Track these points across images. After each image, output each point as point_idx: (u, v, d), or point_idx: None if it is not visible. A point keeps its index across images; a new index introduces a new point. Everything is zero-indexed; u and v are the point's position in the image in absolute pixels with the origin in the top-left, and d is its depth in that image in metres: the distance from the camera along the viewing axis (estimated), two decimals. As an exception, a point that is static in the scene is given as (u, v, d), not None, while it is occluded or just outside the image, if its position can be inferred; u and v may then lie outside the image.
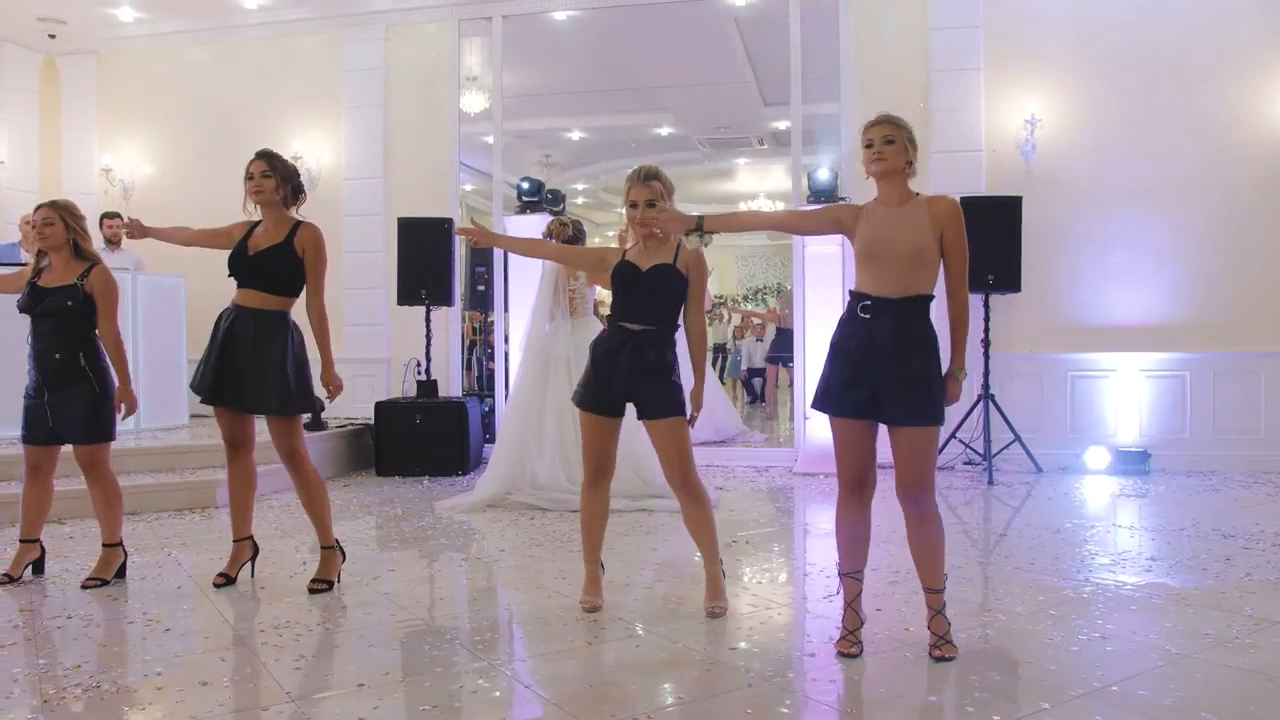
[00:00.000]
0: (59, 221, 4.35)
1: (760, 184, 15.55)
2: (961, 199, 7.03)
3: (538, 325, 6.43)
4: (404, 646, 3.46)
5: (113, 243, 8.50)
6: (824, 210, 3.49)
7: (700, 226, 3.40)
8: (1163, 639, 3.48)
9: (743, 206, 15.83)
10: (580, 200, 16.27)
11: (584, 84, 11.01)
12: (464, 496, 6.32)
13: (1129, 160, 7.51)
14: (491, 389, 8.90)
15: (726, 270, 20.66)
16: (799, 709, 2.91)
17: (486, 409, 8.45)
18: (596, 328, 6.46)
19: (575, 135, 12.50)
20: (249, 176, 4.18)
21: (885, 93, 7.84)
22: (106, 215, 8.55)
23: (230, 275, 4.15)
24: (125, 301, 7.51)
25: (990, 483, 6.91)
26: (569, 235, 6.36)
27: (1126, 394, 7.53)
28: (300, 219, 4.24)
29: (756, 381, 14.85)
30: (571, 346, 6.27)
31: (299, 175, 4.32)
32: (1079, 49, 7.62)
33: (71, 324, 4.28)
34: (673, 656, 3.32)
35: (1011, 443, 7.28)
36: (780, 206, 15.14)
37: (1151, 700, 2.90)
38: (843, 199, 7.52)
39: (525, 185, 8.01)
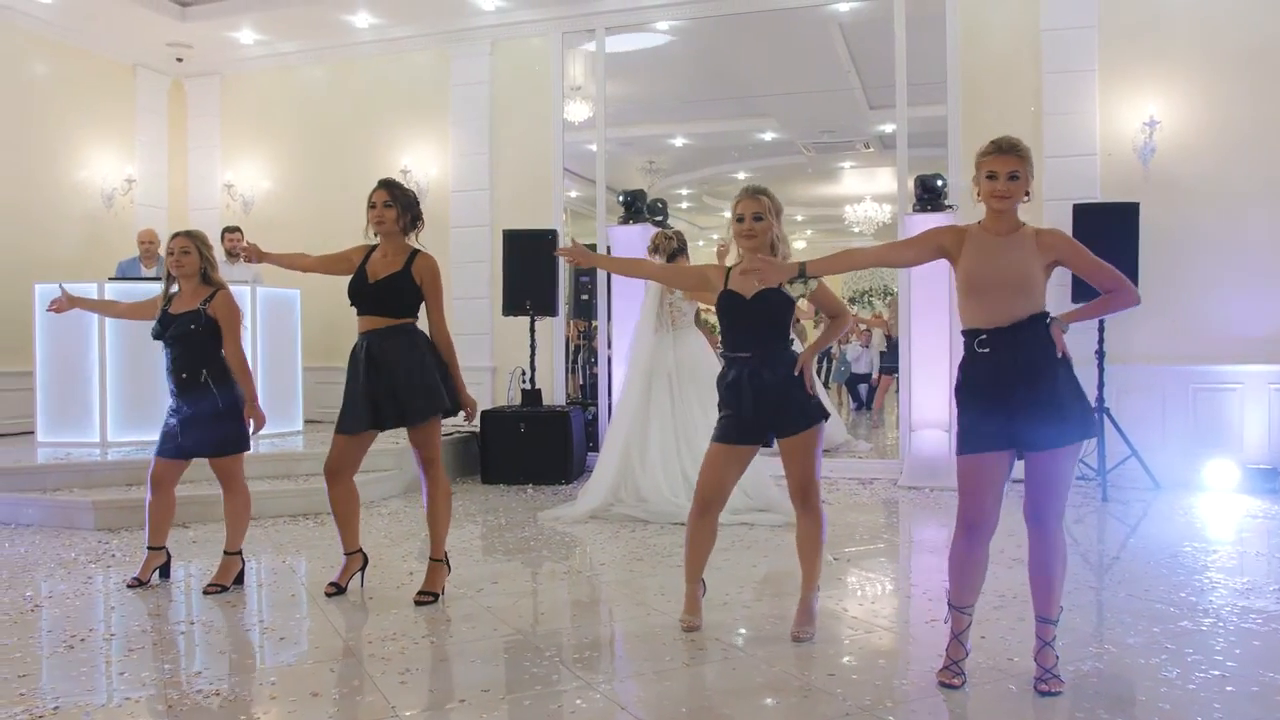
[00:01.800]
0: (194, 251, 4.61)
1: (866, 186, 15.30)
2: (1075, 206, 6.94)
3: (641, 338, 6.49)
4: (506, 663, 3.54)
5: (233, 256, 8.88)
6: (926, 237, 3.40)
7: (803, 273, 3.37)
8: (1295, 680, 3.31)
9: (848, 209, 15.62)
10: (685, 205, 16.31)
11: (686, 91, 11.04)
12: (567, 508, 6.41)
13: (1255, 161, 7.15)
14: (595, 397, 9.00)
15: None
16: (897, 742, 2.87)
17: (590, 417, 8.54)
18: (699, 339, 6.52)
19: (679, 142, 12.55)
20: (371, 205, 4.33)
21: (994, 96, 7.69)
22: (228, 230, 8.97)
23: (351, 303, 4.29)
24: (244, 314, 7.93)
25: (1104, 499, 6.68)
26: (673, 248, 6.41)
27: (1254, 407, 7.16)
28: (418, 247, 4.37)
29: (861, 388, 14.63)
30: (673, 359, 6.32)
31: (418, 203, 4.45)
32: (1201, 46, 7.29)
33: (196, 346, 4.52)
34: (770, 680, 3.31)
35: (1128, 458, 7.01)
36: (887, 209, 14.91)
37: (1274, 748, 2.77)
38: (950, 207, 7.37)
39: (625, 197, 8.06)
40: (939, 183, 7.38)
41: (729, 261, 6.20)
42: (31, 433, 8.03)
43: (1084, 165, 7.41)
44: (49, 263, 8.84)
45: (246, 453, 4.66)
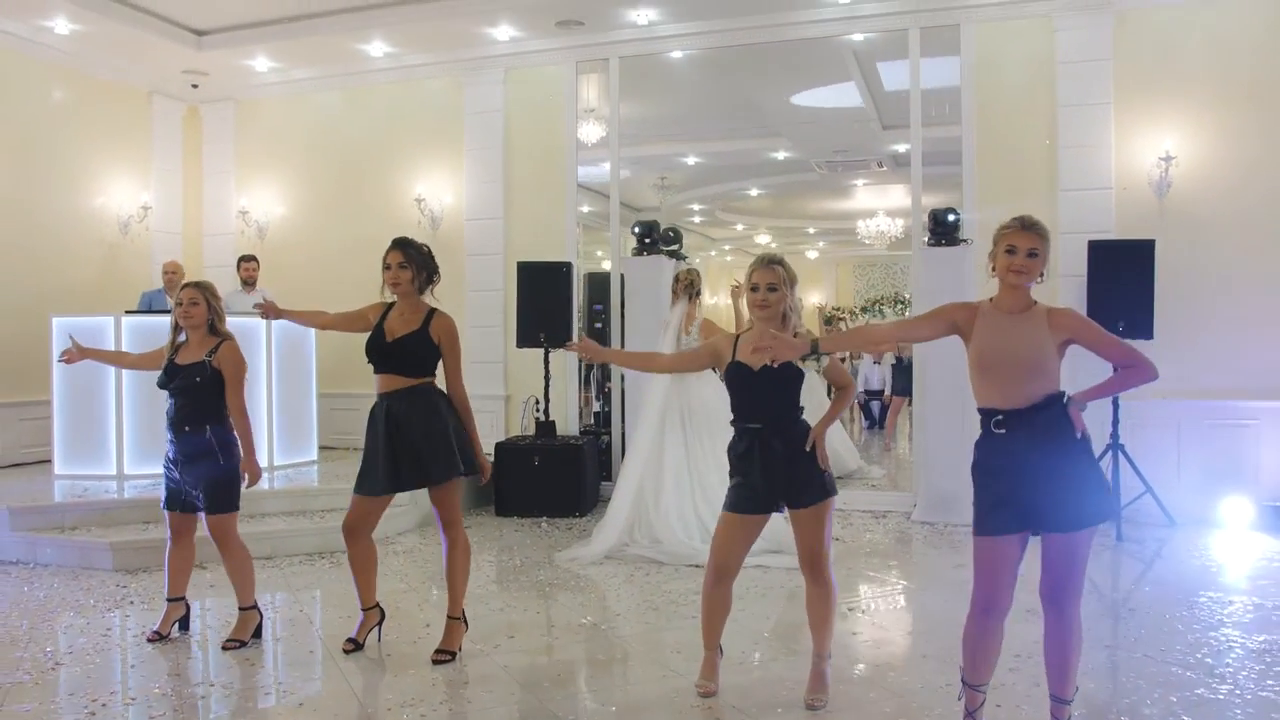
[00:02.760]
0: (203, 302, 4.63)
1: (879, 202, 15.23)
2: (1091, 243, 6.92)
3: (656, 381, 6.51)
4: (523, 734, 3.57)
5: (248, 284, 8.95)
6: (939, 314, 3.40)
7: (815, 350, 3.38)
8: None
9: (860, 224, 15.58)
10: (697, 219, 16.32)
11: (699, 112, 11.03)
12: (582, 548, 6.42)
13: (1271, 197, 7.12)
14: (607, 425, 9.01)
15: (844, 281, 20.42)
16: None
17: (604, 445, 8.56)
18: (712, 383, 6.53)
19: (691, 160, 12.53)
20: (386, 266, 4.36)
21: (1009, 128, 7.70)
22: (243, 259, 9.02)
23: (369, 362, 4.31)
24: (259, 344, 7.99)
25: (1119, 538, 6.66)
26: (696, 290, 6.51)
27: (1270, 444, 7.13)
28: (434, 306, 4.39)
29: (874, 405, 14.62)
30: (687, 402, 6.38)
31: (433, 259, 4.47)
32: (1217, 81, 7.26)
33: (200, 398, 4.54)
34: (786, 758, 3.33)
35: (1143, 494, 7.00)
36: (899, 223, 14.87)
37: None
38: (964, 241, 7.37)
39: (641, 229, 8.08)
40: (950, 217, 7.37)
41: (743, 304, 6.22)
42: (47, 462, 8.10)
43: (1099, 199, 7.40)
44: (66, 290, 8.93)
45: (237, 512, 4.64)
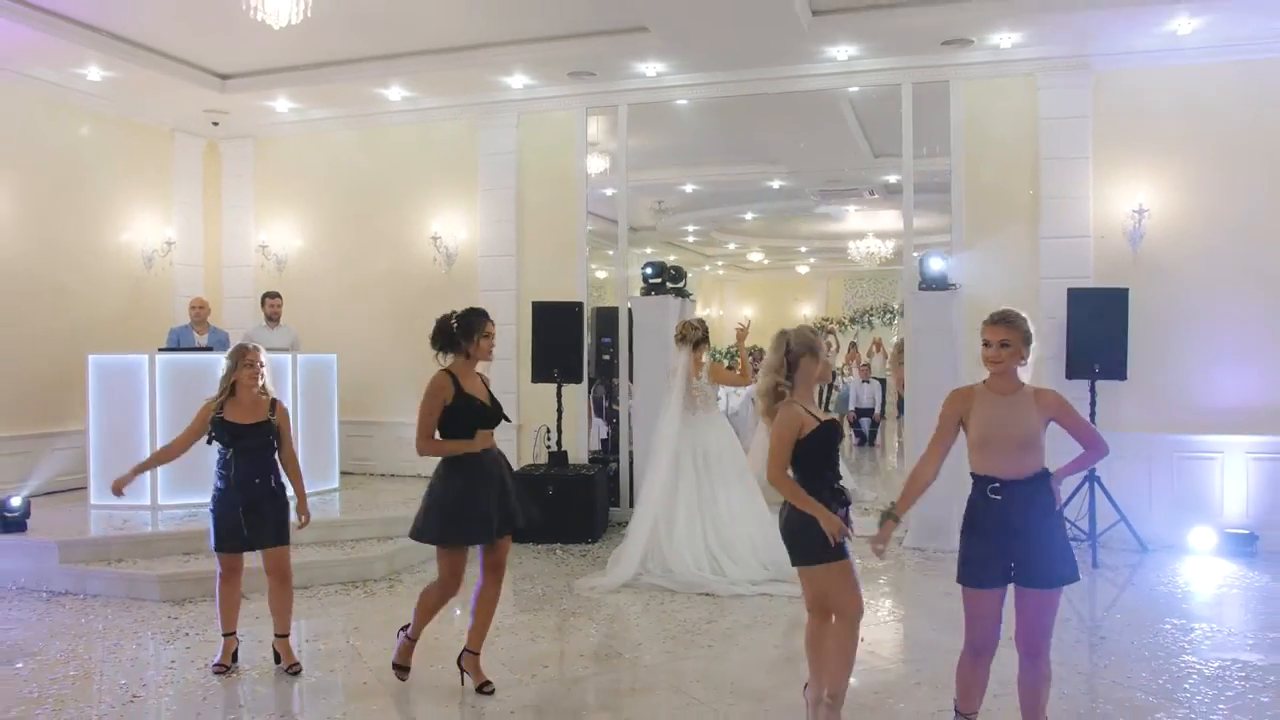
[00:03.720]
0: (263, 365, 5.12)
1: (869, 224, 15.81)
2: (1070, 290, 7.44)
3: (669, 420, 7.02)
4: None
5: (273, 319, 9.38)
6: (946, 421, 3.83)
7: (894, 514, 3.83)
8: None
9: (851, 246, 16.12)
10: (691, 239, 16.83)
11: (698, 144, 11.49)
12: (599, 578, 6.87)
13: (1234, 249, 7.70)
14: (614, 450, 9.50)
15: (834, 293, 20.98)
16: None
17: (611, 472, 9.04)
18: (722, 422, 7.07)
19: (689, 188, 12.99)
20: (487, 335, 4.87)
21: (995, 180, 8.24)
22: (268, 295, 9.44)
23: (481, 427, 4.76)
24: (286, 377, 8.43)
25: (1095, 565, 7.19)
26: (698, 337, 6.97)
27: (1233, 475, 7.70)
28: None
29: (864, 422, 15.14)
30: (699, 441, 6.87)
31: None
32: (1188, 140, 7.83)
33: (268, 452, 5.12)
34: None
35: (1117, 522, 7.53)
36: (890, 244, 15.55)
37: None
38: (953, 286, 7.90)
39: (650, 270, 8.57)
40: (937, 267, 7.89)
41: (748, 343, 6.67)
42: (79, 489, 8.49)
43: (1078, 247, 7.94)
44: (95, 324, 9.31)
45: None
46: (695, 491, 6.91)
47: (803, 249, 18.72)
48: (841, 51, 8.15)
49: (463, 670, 4.81)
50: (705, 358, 7.17)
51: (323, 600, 6.53)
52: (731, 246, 18.25)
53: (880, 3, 7.47)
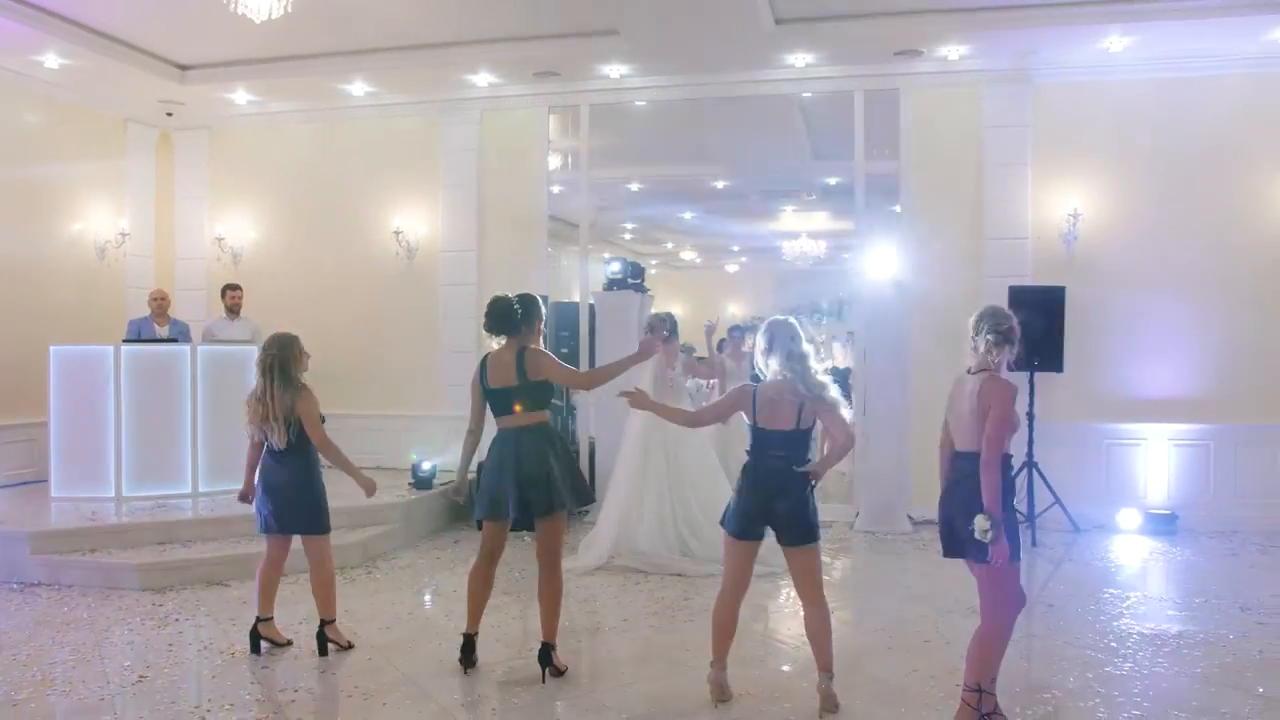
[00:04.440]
0: None
1: (803, 225, 16.32)
2: (1011, 288, 7.97)
3: (637, 411, 7.27)
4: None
5: (233, 311, 9.40)
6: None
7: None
8: (1189, 716, 4.30)
9: (784, 245, 16.58)
10: (628, 236, 17.13)
11: (648, 145, 11.77)
12: (572, 561, 7.11)
13: (1162, 250, 8.33)
14: (573, 442, 9.75)
15: (765, 292, 21.47)
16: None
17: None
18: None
19: (635, 186, 13.27)
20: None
21: (941, 183, 8.73)
22: (228, 287, 9.45)
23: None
24: (249, 368, 8.43)
25: (1034, 544, 7.72)
26: (664, 332, 7.26)
27: (1156, 461, 8.35)
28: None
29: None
30: (670, 432, 7.18)
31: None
32: (1118, 149, 8.45)
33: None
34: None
35: (1052, 505, 8.09)
36: (821, 245, 16.09)
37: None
38: (901, 284, 8.38)
39: (617, 266, 8.88)
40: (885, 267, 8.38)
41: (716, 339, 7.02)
42: (39, 482, 8.45)
43: (1018, 248, 8.50)
44: (50, 315, 9.20)
45: None
46: (664, 477, 7.23)
47: (735, 248, 19.14)
48: (799, 59, 8.55)
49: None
50: (676, 349, 7.49)
51: (304, 587, 6.65)
52: (669, 245, 18.61)
53: (839, 13, 7.87)
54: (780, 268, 20.60)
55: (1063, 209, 8.43)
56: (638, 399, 4.77)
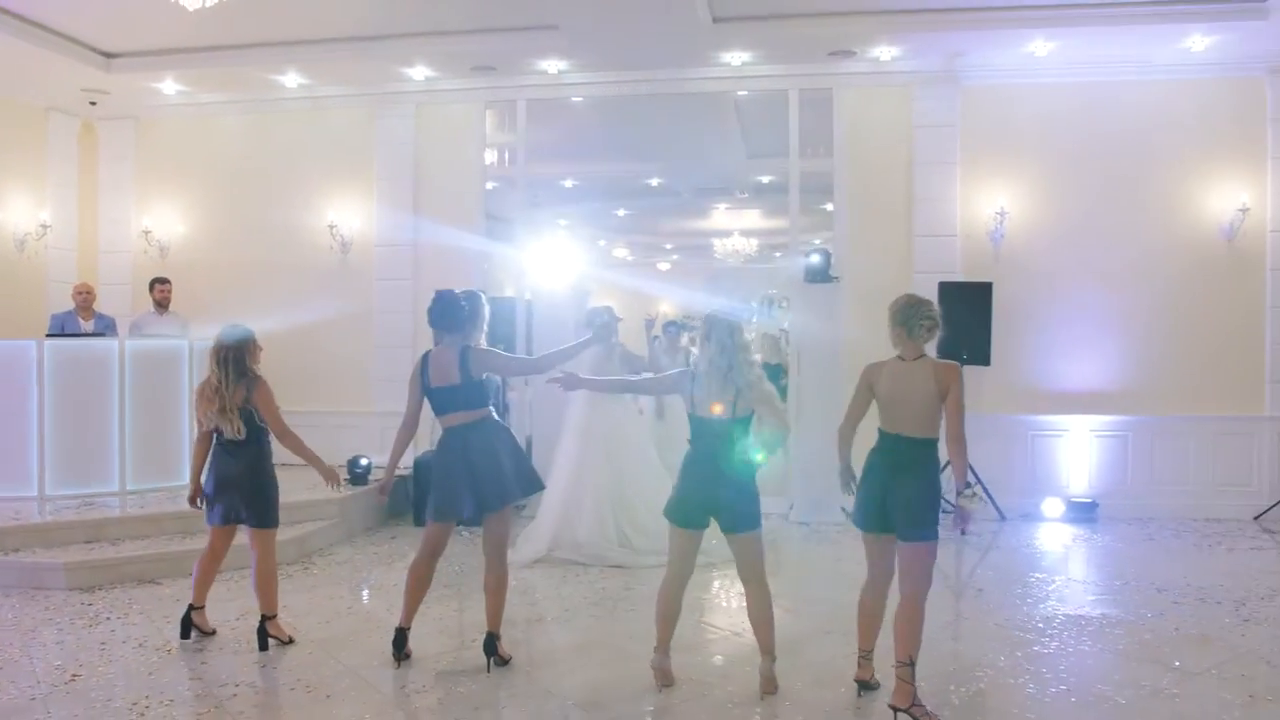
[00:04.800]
0: None
1: (735, 224, 16.50)
2: (941, 283, 8.18)
3: (577, 403, 7.35)
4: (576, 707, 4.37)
5: (161, 306, 9.19)
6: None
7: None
8: (1112, 690, 4.51)
9: (716, 243, 16.75)
10: (559, 233, 17.14)
11: (584, 142, 11.79)
12: (511, 554, 7.08)
13: (1084, 248, 8.65)
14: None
15: (696, 291, 21.61)
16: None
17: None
18: (629, 405, 7.46)
19: (568, 183, 13.26)
20: None
21: (875, 182, 8.94)
22: (157, 281, 9.23)
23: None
24: (180, 364, 8.32)
25: (962, 533, 7.94)
26: (603, 322, 7.29)
27: (1078, 451, 8.66)
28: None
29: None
30: (607, 420, 7.24)
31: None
32: (1042, 149, 8.74)
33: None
34: (744, 716, 4.26)
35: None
36: (753, 243, 16.30)
37: (1108, 748, 3.93)
38: (835, 279, 8.55)
39: (556, 264, 8.89)
40: (816, 258, 8.53)
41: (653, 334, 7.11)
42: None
43: (947, 245, 8.74)
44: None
45: None
46: (604, 469, 7.27)
47: (667, 246, 19.25)
48: (736, 57, 8.67)
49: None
50: (616, 342, 7.54)
51: (239, 584, 6.56)
52: (600, 243, 18.64)
53: (776, 13, 8.00)
54: (712, 265, 20.88)
55: (990, 207, 8.69)
56: (570, 380, 4.85)
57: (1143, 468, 8.59)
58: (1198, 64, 8.41)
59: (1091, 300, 8.65)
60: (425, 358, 4.95)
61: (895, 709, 4.08)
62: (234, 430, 5.11)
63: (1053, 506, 8.46)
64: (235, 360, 5.14)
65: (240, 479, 5.17)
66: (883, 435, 4.34)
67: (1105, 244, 8.62)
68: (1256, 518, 8.40)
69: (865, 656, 4.49)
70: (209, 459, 5.26)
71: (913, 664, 4.12)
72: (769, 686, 4.46)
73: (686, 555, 4.59)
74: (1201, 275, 8.56)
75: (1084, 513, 8.42)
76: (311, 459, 5.26)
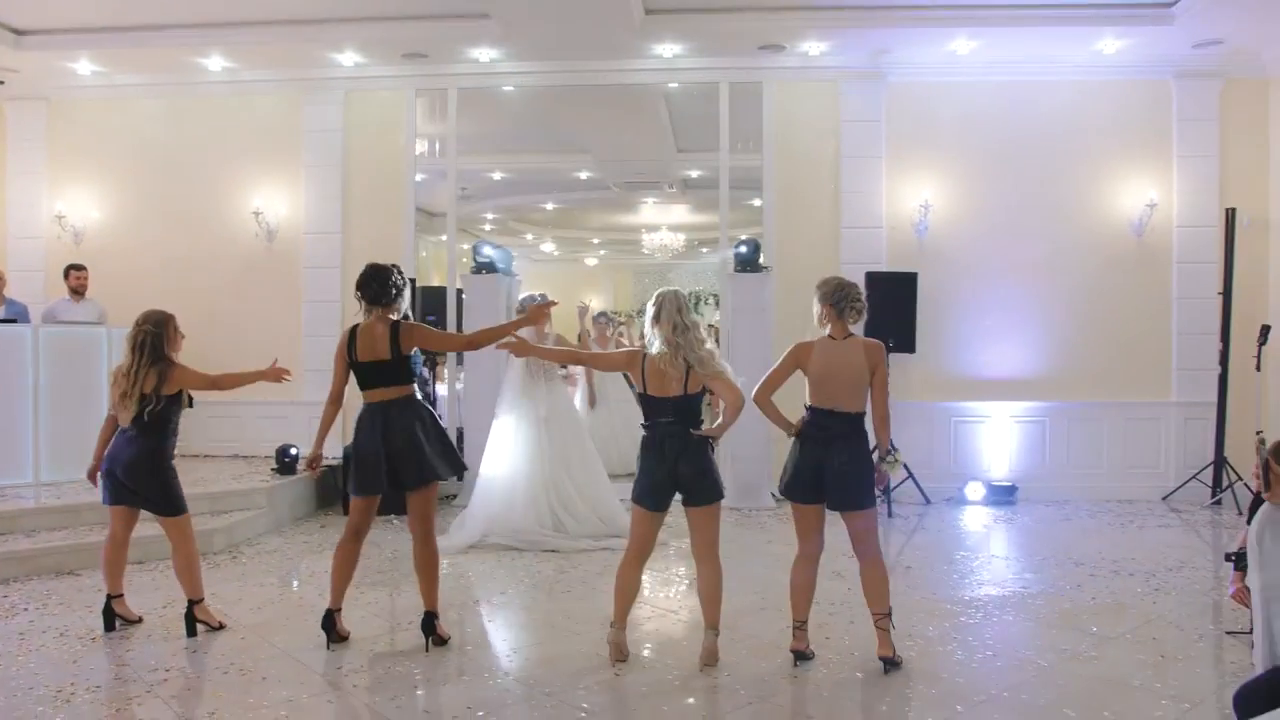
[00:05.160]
0: None
1: (663, 218, 16.61)
2: (868, 273, 8.37)
3: (511, 388, 7.34)
4: (503, 685, 4.37)
5: (77, 293, 8.91)
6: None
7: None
8: (1035, 654, 4.70)
9: (645, 238, 16.83)
10: (488, 227, 17.01)
11: (513, 133, 11.74)
12: (444, 540, 7.04)
13: (1003, 241, 8.94)
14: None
15: (622, 286, 21.70)
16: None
17: (439, 447, 9.21)
18: (561, 388, 7.49)
19: (497, 175, 13.21)
20: None
21: (804, 175, 9.10)
22: (72, 267, 8.94)
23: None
24: (98, 352, 8.08)
25: (890, 515, 8.15)
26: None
27: (998, 436, 8.94)
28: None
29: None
30: (545, 408, 7.24)
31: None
32: (964, 146, 9.01)
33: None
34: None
35: (905, 480, 8.55)
36: (680, 238, 16.42)
37: (1030, 703, 4.10)
38: (765, 269, 8.69)
39: (486, 249, 8.86)
40: (744, 249, 8.65)
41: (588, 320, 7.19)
42: None
43: (873, 237, 8.94)
44: None
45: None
46: (538, 455, 7.27)
47: (595, 240, 19.26)
48: (667, 49, 8.75)
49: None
50: (549, 329, 7.54)
51: (166, 573, 6.39)
52: (529, 237, 18.57)
53: (707, 6, 8.11)
54: (639, 262, 20.97)
55: (914, 201, 8.92)
56: (520, 346, 4.87)
57: (1060, 452, 8.92)
58: (1110, 66, 8.77)
59: (1011, 291, 8.95)
60: (353, 331, 4.87)
61: (886, 659, 4.41)
62: (127, 419, 4.97)
63: (974, 490, 8.72)
64: (154, 343, 4.99)
65: (133, 467, 5.00)
66: (815, 411, 4.48)
67: (1023, 237, 8.93)
68: (1164, 498, 8.79)
69: (800, 627, 4.59)
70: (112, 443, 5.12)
71: (890, 614, 4.46)
72: (710, 659, 4.52)
73: (648, 536, 4.63)
74: (1113, 268, 8.93)
75: (1004, 496, 8.69)
76: (253, 375, 5.14)
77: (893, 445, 4.78)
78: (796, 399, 4.61)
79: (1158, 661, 4.60)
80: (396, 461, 4.73)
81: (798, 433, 4.55)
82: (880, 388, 4.47)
